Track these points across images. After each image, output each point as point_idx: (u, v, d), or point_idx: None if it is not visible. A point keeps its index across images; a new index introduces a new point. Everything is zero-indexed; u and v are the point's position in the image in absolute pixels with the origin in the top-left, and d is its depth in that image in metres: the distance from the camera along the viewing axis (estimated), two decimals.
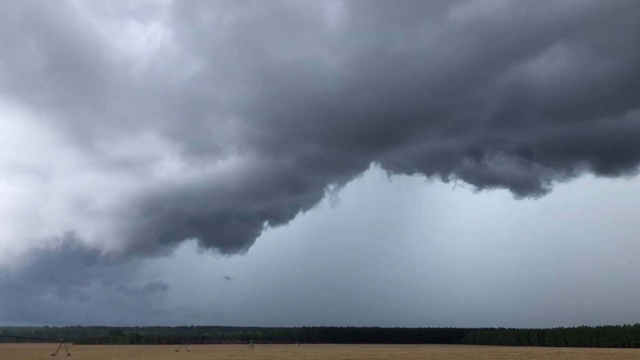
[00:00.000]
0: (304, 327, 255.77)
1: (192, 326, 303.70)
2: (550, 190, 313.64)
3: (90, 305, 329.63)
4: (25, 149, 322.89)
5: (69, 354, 65.60)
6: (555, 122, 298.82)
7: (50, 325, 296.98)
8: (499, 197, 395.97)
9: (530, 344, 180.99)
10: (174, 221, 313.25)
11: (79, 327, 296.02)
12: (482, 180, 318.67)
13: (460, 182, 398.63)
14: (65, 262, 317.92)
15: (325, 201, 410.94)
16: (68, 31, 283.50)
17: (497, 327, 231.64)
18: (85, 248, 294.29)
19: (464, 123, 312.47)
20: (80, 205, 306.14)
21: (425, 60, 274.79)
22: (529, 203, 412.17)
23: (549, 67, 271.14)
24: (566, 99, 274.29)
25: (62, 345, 76.63)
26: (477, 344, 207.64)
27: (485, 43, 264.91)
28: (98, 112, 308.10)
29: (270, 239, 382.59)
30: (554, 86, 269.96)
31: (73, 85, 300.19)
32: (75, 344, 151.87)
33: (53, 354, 65.70)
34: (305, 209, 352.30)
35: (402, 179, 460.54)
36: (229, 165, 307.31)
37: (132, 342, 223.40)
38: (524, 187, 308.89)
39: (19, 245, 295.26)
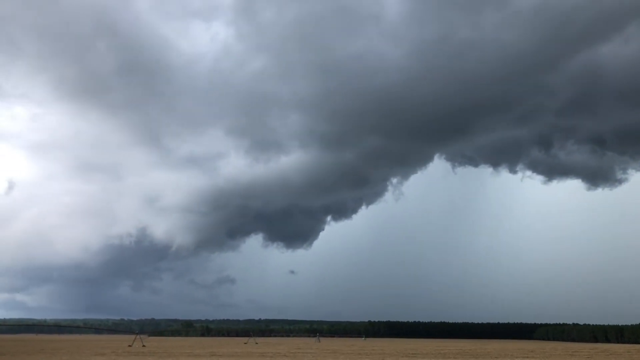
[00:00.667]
0: (369, 322, 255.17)
1: (260, 319, 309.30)
2: (626, 179, 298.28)
3: (162, 299, 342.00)
4: (99, 149, 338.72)
5: (144, 346, 68.19)
6: (631, 107, 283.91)
7: (125, 318, 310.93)
8: (571, 188, 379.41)
9: (608, 340, 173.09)
10: (240, 216, 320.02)
11: (153, 319, 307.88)
12: (552, 170, 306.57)
13: (528, 173, 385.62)
14: (138, 257, 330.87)
15: (388, 195, 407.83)
16: (135, 34, 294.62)
17: (570, 323, 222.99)
18: (156, 243, 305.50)
19: (532, 111, 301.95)
20: (151, 202, 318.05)
21: (490, 47, 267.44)
22: (603, 194, 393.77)
23: (623, 50, 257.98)
24: None
25: (138, 337, 79.76)
26: (549, 339, 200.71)
27: (554, 27, 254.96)
28: (166, 111, 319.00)
29: (334, 234, 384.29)
30: (629, 69, 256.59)
31: (141, 87, 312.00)
32: (149, 336, 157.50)
33: (129, 345, 68.45)
34: (369, 203, 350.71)
35: (467, 171, 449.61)
36: (292, 161, 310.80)
37: (202, 335, 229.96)
38: (597, 177, 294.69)
39: (95, 241, 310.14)
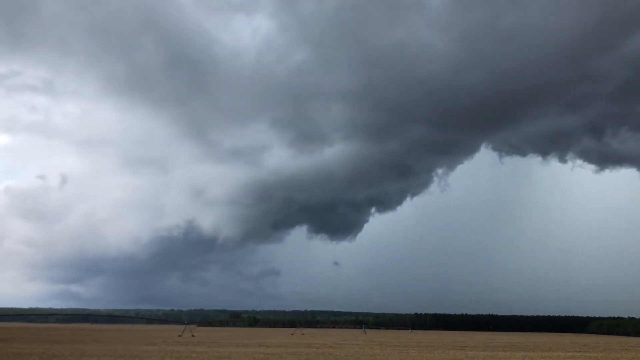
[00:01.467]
0: (416, 314, 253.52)
1: (306, 310, 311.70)
2: None
3: (210, 290, 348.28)
4: (147, 143, 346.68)
5: (193, 336, 69.65)
6: None
7: (175, 309, 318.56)
8: (625, 177, 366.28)
9: None
10: (285, 208, 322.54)
11: (202, 310, 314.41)
12: (604, 159, 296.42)
13: (579, 162, 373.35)
14: (186, 249, 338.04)
15: (433, 186, 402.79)
16: (178, 28, 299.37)
17: (626, 317, 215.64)
18: (204, 235, 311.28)
19: (582, 97, 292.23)
20: (197, 195, 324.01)
21: (538, 32, 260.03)
22: None
23: None
24: None
25: (187, 327, 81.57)
26: (603, 334, 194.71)
27: (605, 9, 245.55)
28: (210, 105, 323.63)
29: (378, 226, 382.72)
30: None
31: (186, 81, 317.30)
32: (198, 326, 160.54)
33: (179, 335, 70.03)
34: (413, 194, 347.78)
35: (515, 161, 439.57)
36: (335, 152, 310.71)
37: (250, 325, 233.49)
38: None
39: (144, 234, 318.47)
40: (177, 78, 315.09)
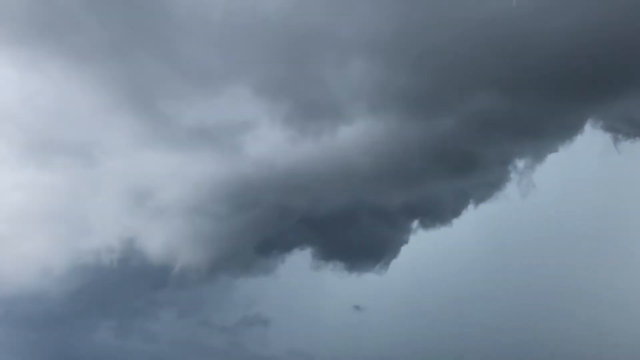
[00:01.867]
0: None
1: None
2: None
3: (162, 348, 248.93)
4: (63, 118, 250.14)
5: None
6: None
7: None
8: None
9: None
10: (278, 221, 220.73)
11: None
12: None
13: None
14: (124, 285, 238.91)
15: (511, 187, 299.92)
16: None
17: None
18: (151, 263, 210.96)
19: None
20: (141, 199, 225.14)
21: None
22: None
23: None
24: None
25: None
26: None
27: None
28: (162, 60, 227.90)
29: (424, 248, 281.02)
30: None
31: (126, 24, 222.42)
32: None
33: None
34: (479, 200, 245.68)
35: (638, 147, 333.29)
36: (356, 134, 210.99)
37: None
38: None
39: (58, 261, 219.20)
40: (112, 19, 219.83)
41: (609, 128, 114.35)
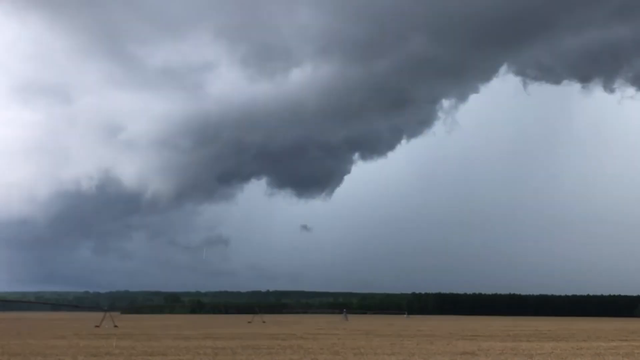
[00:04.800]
0: (413, 294, 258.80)
1: (268, 291, 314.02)
2: None
3: (136, 265, 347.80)
4: (41, 61, 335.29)
5: (115, 326, 69.94)
6: None
7: (90, 291, 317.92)
8: None
9: None
10: (236, 153, 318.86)
11: (127, 292, 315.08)
12: None
13: (631, 91, 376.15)
14: (102, 209, 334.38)
15: (438, 124, 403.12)
16: None
17: None
18: (125, 190, 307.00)
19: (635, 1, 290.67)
20: (114, 134, 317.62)
21: None
22: None
23: None
24: None
25: (107, 314, 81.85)
26: None
27: None
28: (130, 7, 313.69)
29: (363, 178, 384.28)
30: None
31: None
32: (122, 312, 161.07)
33: (97, 326, 70.28)
34: (411, 135, 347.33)
35: (545, 90, 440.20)
36: (306, 75, 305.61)
37: (193, 311, 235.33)
38: None
39: (42, 189, 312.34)
40: None
41: (519, 72, 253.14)
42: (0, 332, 53.44)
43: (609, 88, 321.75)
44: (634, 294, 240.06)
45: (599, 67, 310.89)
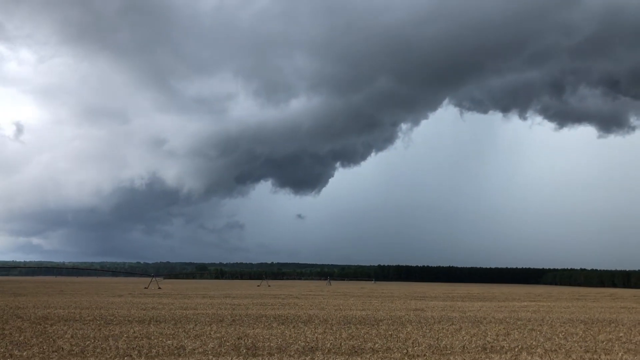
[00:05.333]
0: (379, 265, 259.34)
1: (273, 263, 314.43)
2: None
3: (174, 243, 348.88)
4: (106, 92, 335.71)
5: (159, 288, 69.83)
6: None
7: (142, 261, 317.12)
8: (582, 135, 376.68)
9: (615, 285, 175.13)
10: (249, 161, 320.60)
11: (168, 262, 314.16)
12: (563, 116, 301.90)
13: (539, 119, 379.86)
14: (149, 201, 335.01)
15: (398, 142, 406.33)
16: None
17: (578, 268, 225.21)
18: (167, 187, 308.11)
19: (545, 51, 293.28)
20: (159, 146, 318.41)
21: None
22: (615, 140, 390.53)
23: None
24: None
25: (153, 279, 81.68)
26: (556, 284, 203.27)
27: None
28: (172, 53, 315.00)
29: (343, 180, 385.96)
30: None
31: (146, 27, 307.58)
32: (165, 278, 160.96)
33: (146, 288, 70.14)
34: (378, 149, 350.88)
35: (476, 117, 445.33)
36: (300, 104, 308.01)
37: (216, 278, 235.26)
38: (610, 123, 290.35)
39: (105, 185, 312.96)
40: (137, 24, 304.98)
41: (457, 104, 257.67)
42: (73, 292, 53.15)
43: (522, 117, 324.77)
44: (540, 267, 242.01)
45: (516, 101, 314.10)
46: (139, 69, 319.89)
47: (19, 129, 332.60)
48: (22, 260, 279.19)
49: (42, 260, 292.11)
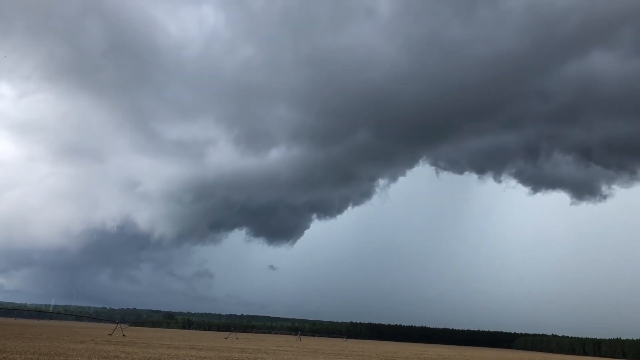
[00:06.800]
0: (351, 322, 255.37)
1: (242, 315, 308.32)
2: (611, 195, 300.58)
3: (141, 289, 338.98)
4: (84, 131, 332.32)
5: (124, 335, 67.67)
6: (621, 117, 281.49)
7: (107, 306, 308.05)
8: (555, 201, 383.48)
9: (585, 353, 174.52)
10: (225, 208, 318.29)
11: (135, 309, 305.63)
12: (537, 181, 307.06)
13: (513, 183, 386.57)
14: (119, 244, 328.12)
15: (375, 197, 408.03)
16: (124, 13, 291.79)
17: (550, 334, 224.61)
18: (138, 231, 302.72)
19: (520, 116, 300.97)
20: (134, 188, 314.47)
21: (481, 47, 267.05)
22: (587, 208, 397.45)
23: (617, 58, 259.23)
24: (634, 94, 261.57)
25: (118, 326, 79.23)
26: (528, 349, 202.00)
27: (549, 28, 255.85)
28: (154, 95, 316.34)
29: (319, 232, 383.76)
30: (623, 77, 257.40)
31: (130, 69, 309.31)
32: (130, 325, 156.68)
33: (110, 334, 67.93)
34: (355, 203, 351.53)
35: (452, 177, 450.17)
36: (279, 154, 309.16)
37: (184, 327, 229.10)
38: (583, 190, 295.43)
39: (76, 226, 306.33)
40: (120, 65, 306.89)
41: (433, 163, 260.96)
42: (32, 336, 51.14)
43: (497, 179, 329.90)
44: (512, 330, 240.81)
45: (491, 163, 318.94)
46: (120, 109, 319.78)
47: None
48: None
49: (3, 300, 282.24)
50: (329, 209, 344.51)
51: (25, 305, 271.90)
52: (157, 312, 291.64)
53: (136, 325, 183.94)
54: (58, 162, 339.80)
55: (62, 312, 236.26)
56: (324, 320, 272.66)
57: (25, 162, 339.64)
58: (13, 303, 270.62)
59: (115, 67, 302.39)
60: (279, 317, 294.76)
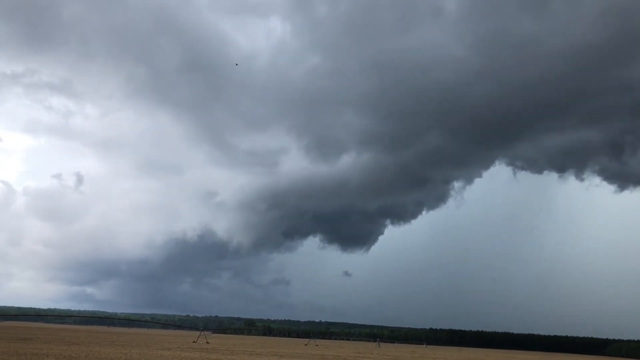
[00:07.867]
0: (430, 329, 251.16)
1: (320, 321, 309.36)
2: None
3: (221, 297, 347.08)
4: (164, 146, 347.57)
5: (207, 342, 69.69)
6: None
7: (191, 314, 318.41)
8: None
9: None
10: (298, 216, 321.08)
11: (216, 317, 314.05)
12: (623, 178, 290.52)
13: (597, 180, 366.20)
14: (199, 254, 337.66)
15: (451, 201, 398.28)
16: (194, 30, 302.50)
17: None
18: (217, 240, 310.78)
19: (603, 110, 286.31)
20: (211, 198, 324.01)
21: (555, 41, 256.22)
22: None
23: None
24: None
25: (202, 333, 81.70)
26: (622, 356, 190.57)
27: (629, 16, 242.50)
28: (227, 109, 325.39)
29: (393, 238, 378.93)
30: None
31: (203, 84, 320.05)
32: (213, 332, 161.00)
33: (194, 342, 70.15)
34: (429, 208, 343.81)
35: (530, 177, 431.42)
36: (349, 160, 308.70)
37: (264, 334, 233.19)
38: None
39: (158, 237, 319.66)
40: (194, 80, 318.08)
41: (510, 164, 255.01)
42: (124, 343, 53.66)
43: (579, 177, 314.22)
44: (603, 336, 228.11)
45: (572, 161, 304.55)
46: (195, 123, 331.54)
47: (79, 180, 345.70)
48: (77, 309, 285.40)
49: (94, 309, 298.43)
50: (402, 214, 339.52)
51: (116, 314, 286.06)
52: (238, 319, 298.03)
53: (218, 332, 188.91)
54: (140, 176, 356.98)
55: (149, 321, 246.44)
56: (402, 326, 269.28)
57: (110, 177, 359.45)
58: (105, 312, 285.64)
59: (189, 83, 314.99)
60: (357, 324, 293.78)
